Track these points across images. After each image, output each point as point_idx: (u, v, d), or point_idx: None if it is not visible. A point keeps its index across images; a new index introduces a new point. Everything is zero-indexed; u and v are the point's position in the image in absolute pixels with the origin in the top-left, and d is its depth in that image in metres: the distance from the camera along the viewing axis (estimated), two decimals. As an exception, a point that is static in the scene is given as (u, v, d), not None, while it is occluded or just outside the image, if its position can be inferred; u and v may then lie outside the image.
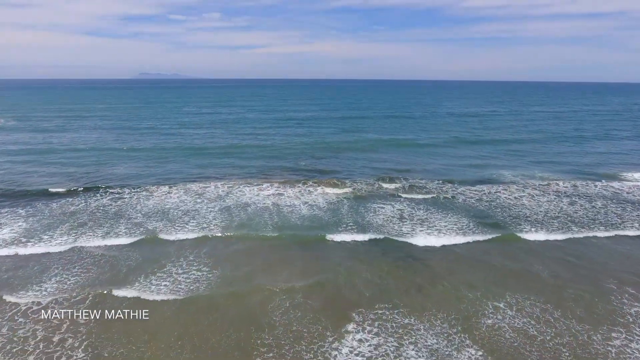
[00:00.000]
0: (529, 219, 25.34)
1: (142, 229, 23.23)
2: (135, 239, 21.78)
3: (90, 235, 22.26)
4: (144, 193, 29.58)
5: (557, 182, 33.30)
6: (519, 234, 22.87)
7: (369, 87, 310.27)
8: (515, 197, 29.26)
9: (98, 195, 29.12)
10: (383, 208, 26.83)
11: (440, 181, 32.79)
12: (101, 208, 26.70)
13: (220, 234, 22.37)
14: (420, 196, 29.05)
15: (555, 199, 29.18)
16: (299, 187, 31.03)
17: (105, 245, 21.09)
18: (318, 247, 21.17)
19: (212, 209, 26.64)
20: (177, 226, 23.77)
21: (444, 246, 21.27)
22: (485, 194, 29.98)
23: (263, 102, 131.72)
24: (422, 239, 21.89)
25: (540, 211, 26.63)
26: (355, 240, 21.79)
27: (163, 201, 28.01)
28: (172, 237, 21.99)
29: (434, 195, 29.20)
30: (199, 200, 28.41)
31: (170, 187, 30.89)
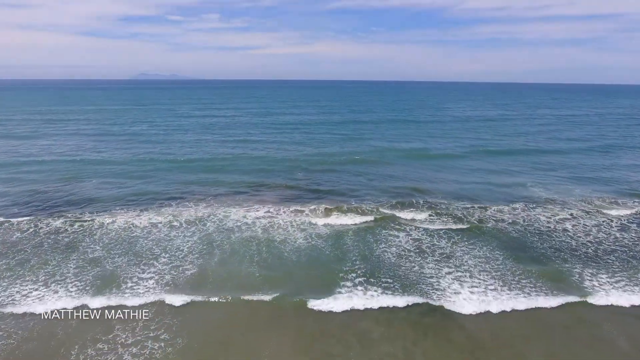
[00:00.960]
0: (577, 252, 20.60)
1: (96, 270, 18.37)
2: (79, 301, 15.88)
3: (28, 282, 17.33)
4: (108, 216, 24.61)
5: (601, 202, 28.30)
6: (572, 278, 17.95)
7: (368, 88, 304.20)
8: (556, 221, 24.51)
9: (51, 219, 24.08)
10: (397, 238, 21.92)
11: (464, 202, 27.56)
12: (52, 237, 21.85)
13: (191, 297, 16.18)
14: (440, 225, 23.73)
15: (604, 222, 24.46)
16: (295, 209, 25.98)
17: (28, 313, 15.27)
18: (318, 312, 15.58)
19: (190, 238, 21.91)
20: (143, 265, 18.93)
21: (481, 301, 16.26)
22: (521, 217, 24.98)
23: (259, 103, 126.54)
24: (455, 295, 16.71)
25: (590, 241, 21.86)
26: (366, 293, 16.62)
27: (130, 227, 23.15)
28: (126, 302, 15.89)
29: (460, 224, 23.86)
30: (175, 224, 23.86)
31: (142, 210, 25.91)
